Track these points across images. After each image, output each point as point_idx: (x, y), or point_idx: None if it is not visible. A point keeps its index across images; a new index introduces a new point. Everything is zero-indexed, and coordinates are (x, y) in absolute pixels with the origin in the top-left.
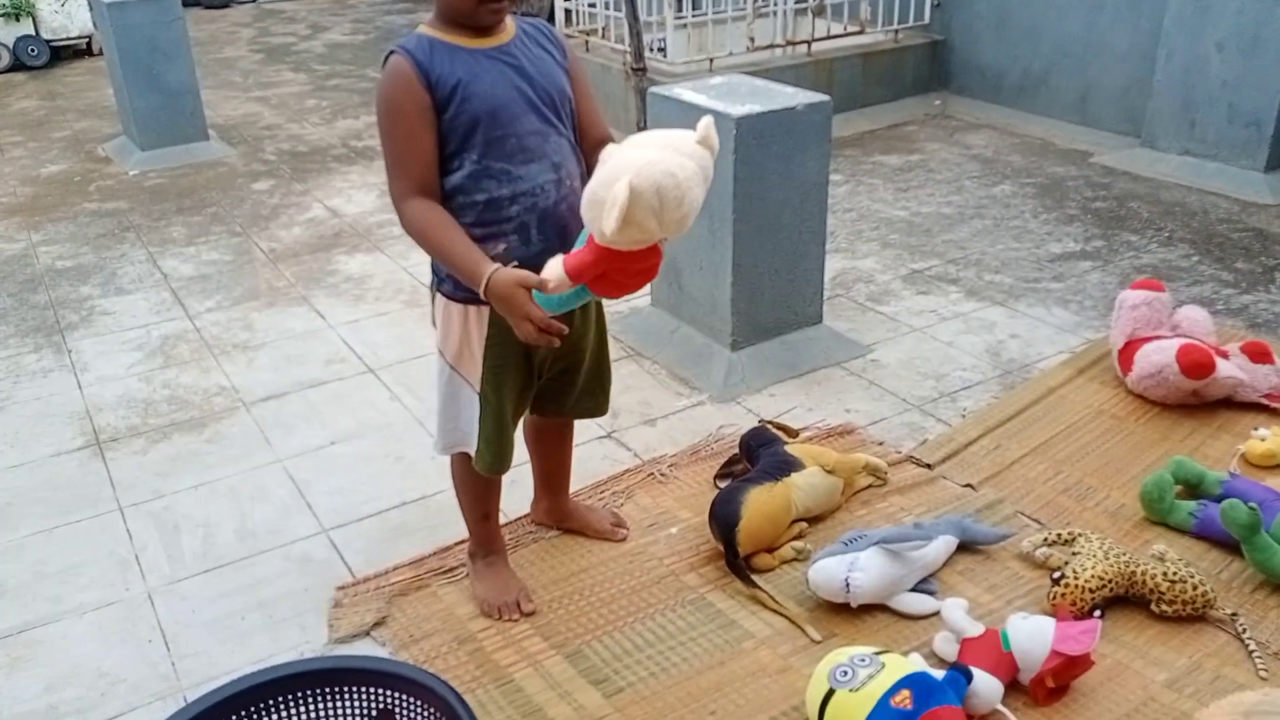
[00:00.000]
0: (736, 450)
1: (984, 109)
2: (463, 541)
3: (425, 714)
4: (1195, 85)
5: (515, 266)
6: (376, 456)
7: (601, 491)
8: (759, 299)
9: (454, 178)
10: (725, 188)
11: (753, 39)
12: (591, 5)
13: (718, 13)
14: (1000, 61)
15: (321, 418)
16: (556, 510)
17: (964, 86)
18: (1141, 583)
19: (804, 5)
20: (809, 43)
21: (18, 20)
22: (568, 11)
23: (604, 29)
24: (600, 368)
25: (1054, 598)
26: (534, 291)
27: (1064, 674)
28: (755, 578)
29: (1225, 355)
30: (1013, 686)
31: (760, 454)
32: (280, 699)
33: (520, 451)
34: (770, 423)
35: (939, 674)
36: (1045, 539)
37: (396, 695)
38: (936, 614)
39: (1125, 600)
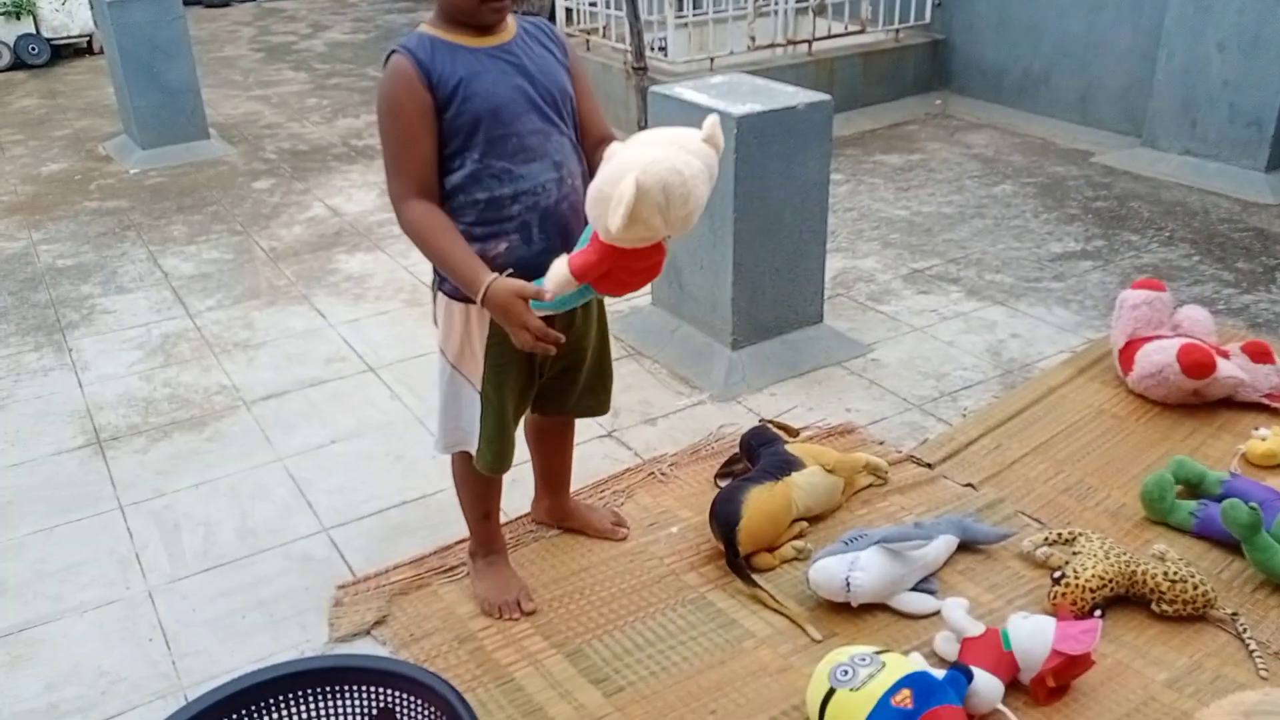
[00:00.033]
0: (737, 449)
1: (985, 108)
2: (463, 540)
3: (426, 713)
4: (1196, 85)
5: (513, 273)
6: (377, 455)
7: (602, 491)
8: (760, 298)
9: (455, 177)
10: (726, 187)
11: (754, 38)
12: (592, 4)
13: (718, 12)
14: (1001, 61)
15: (322, 416)
16: (557, 509)
17: (965, 86)
18: (1142, 582)
19: (805, 4)
20: (810, 42)
21: (18, 18)
22: (568, 10)
23: (605, 28)
24: (602, 366)
25: (1054, 597)
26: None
27: (1064, 673)
28: (756, 577)
29: (1226, 355)
30: (1013, 686)
31: (761, 453)
32: (281, 698)
33: (521, 450)
34: (771, 422)
35: (939, 673)
36: (1046, 538)
37: (397, 694)
38: (937, 613)
39: (1126, 600)
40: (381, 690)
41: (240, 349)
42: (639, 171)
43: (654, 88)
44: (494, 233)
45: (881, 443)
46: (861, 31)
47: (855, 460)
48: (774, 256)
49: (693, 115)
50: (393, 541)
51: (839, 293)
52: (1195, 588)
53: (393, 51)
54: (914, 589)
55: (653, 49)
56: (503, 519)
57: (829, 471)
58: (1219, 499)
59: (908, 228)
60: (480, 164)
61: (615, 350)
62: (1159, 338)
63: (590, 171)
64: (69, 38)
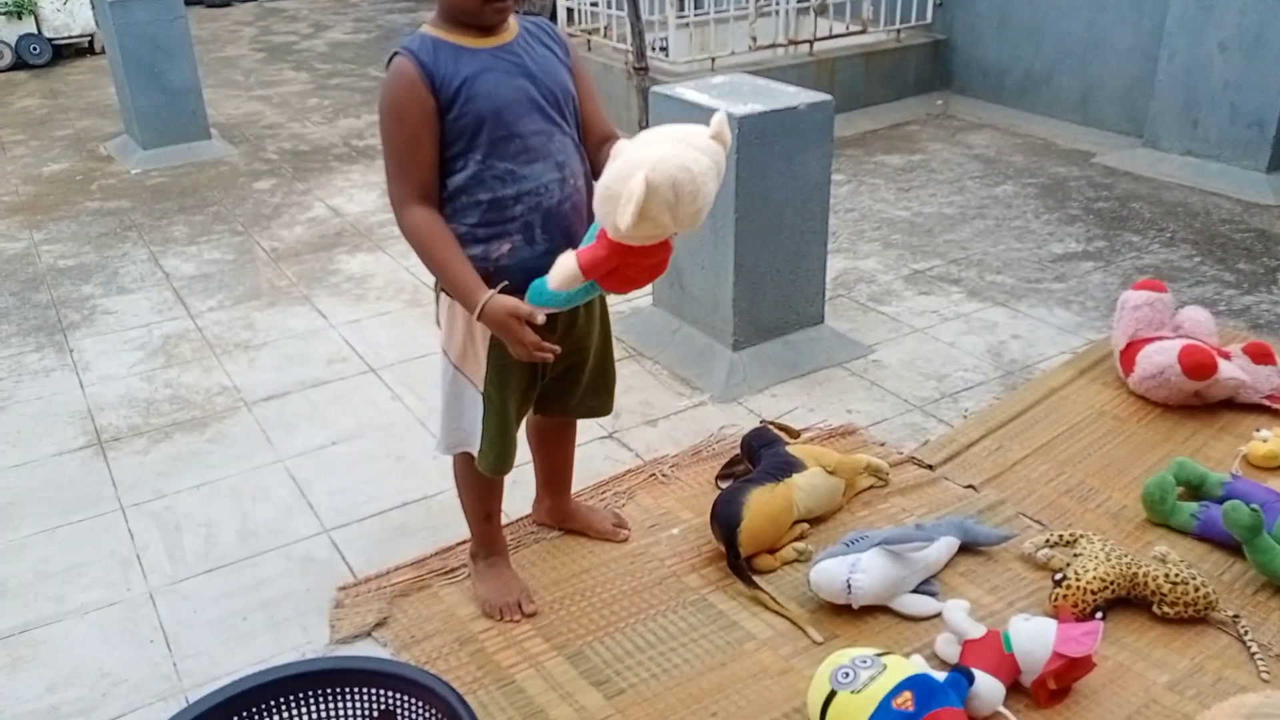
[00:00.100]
0: (738, 451)
1: (986, 109)
2: (464, 542)
3: (427, 715)
4: (1197, 85)
5: (508, 286)
6: (378, 456)
7: (603, 492)
8: (761, 299)
9: (458, 178)
10: (727, 187)
11: (755, 38)
12: (594, 4)
13: (720, 12)
14: (1002, 61)
15: (323, 417)
16: (558, 511)
17: (966, 86)
18: (1143, 584)
19: (806, 4)
20: (811, 42)
21: (20, 18)
22: (570, 10)
23: (606, 28)
24: (604, 367)
25: (1056, 599)
26: (543, 286)
27: (1066, 676)
28: (757, 579)
29: (1227, 356)
30: (1014, 688)
31: (762, 455)
32: (282, 700)
33: (522, 452)
34: (772, 423)
35: (940, 675)
36: (1047, 540)
37: (398, 696)
38: (938, 615)
39: (1127, 602)
40: (382, 692)
41: (241, 350)
42: (648, 169)
43: (655, 88)
44: (497, 233)
45: (882, 444)
46: (863, 32)
47: (856, 462)
48: (775, 257)
49: (694, 115)
50: (394, 543)
51: (840, 293)
52: (1197, 590)
53: (395, 53)
54: (915, 591)
55: (654, 49)
56: (504, 520)
57: (830, 473)
58: (1220, 501)
59: (909, 228)
60: (483, 165)
61: (616, 351)
62: (1160, 339)
63: (594, 170)
64: (70, 38)
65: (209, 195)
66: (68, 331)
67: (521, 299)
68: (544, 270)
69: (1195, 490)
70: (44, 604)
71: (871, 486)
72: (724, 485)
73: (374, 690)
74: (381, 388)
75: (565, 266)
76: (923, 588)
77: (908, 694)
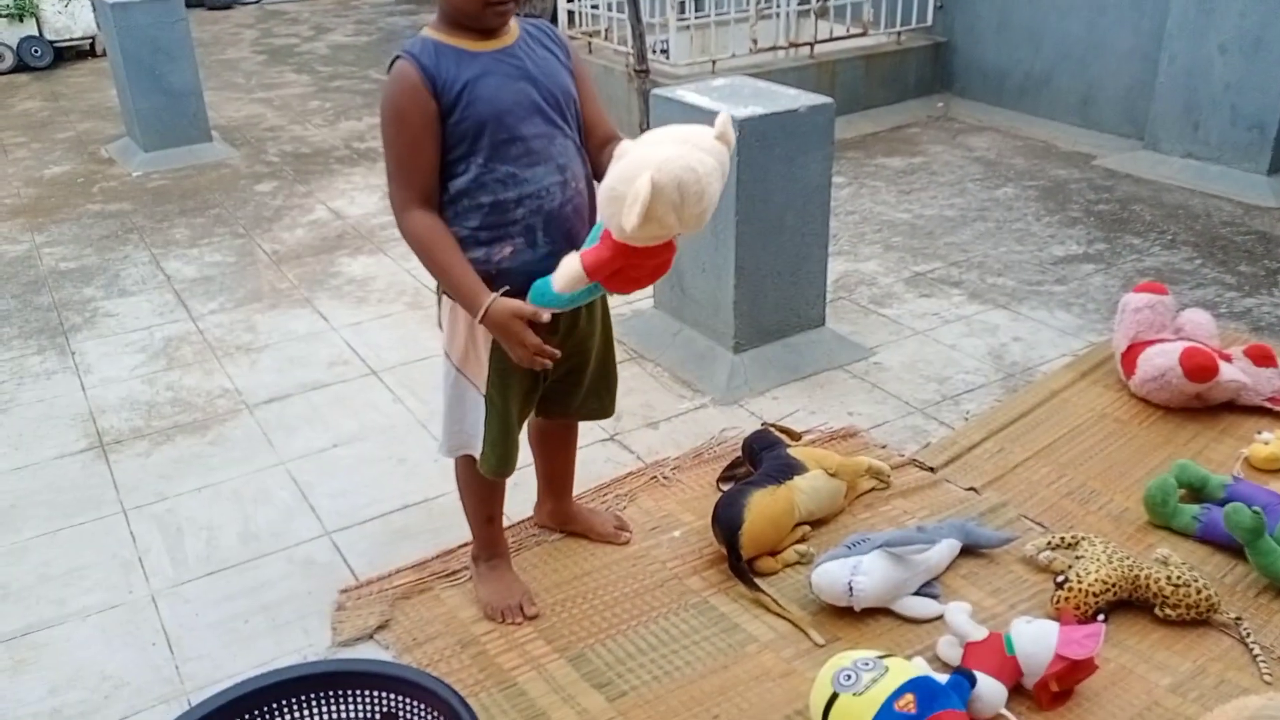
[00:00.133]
0: (739, 453)
1: (986, 111)
2: (466, 544)
3: (429, 717)
4: (1198, 88)
5: (509, 291)
6: (379, 459)
7: (604, 494)
8: (761, 301)
9: (460, 181)
10: (728, 190)
11: (755, 41)
12: (594, 7)
13: (720, 14)
14: (1002, 63)
15: (324, 420)
16: (560, 513)
17: (966, 88)
18: (1145, 587)
19: (807, 7)
20: (811, 45)
21: (21, 21)
22: (570, 13)
23: (607, 30)
24: (606, 369)
25: (1057, 601)
26: (546, 287)
27: (1068, 678)
28: (758, 581)
29: (1228, 359)
30: (1016, 691)
31: (763, 457)
32: (284, 702)
33: (523, 454)
34: (773, 425)
35: (942, 678)
36: (1049, 543)
37: (400, 699)
38: (940, 618)
39: (1129, 604)
40: (384, 695)
41: (242, 352)
42: (654, 170)
43: (656, 90)
44: (498, 236)
45: (884, 446)
46: (863, 34)
47: (857, 464)
48: (776, 259)
49: (695, 118)
50: (395, 545)
51: (841, 296)
52: (1199, 592)
53: (397, 57)
54: (917, 593)
55: (655, 51)
56: (505, 523)
57: (831, 475)
58: (1222, 503)
59: (909, 231)
60: (485, 168)
61: (617, 354)
62: (1161, 341)
63: (595, 171)
64: (71, 40)
65: (210, 198)
66: (69, 334)
67: (523, 301)
68: (545, 273)
69: (1197, 493)
70: (46, 607)
71: (873, 489)
72: (725, 488)
73: (376, 693)
74: (383, 390)
75: (569, 268)
76: (924, 590)
77: (910, 696)
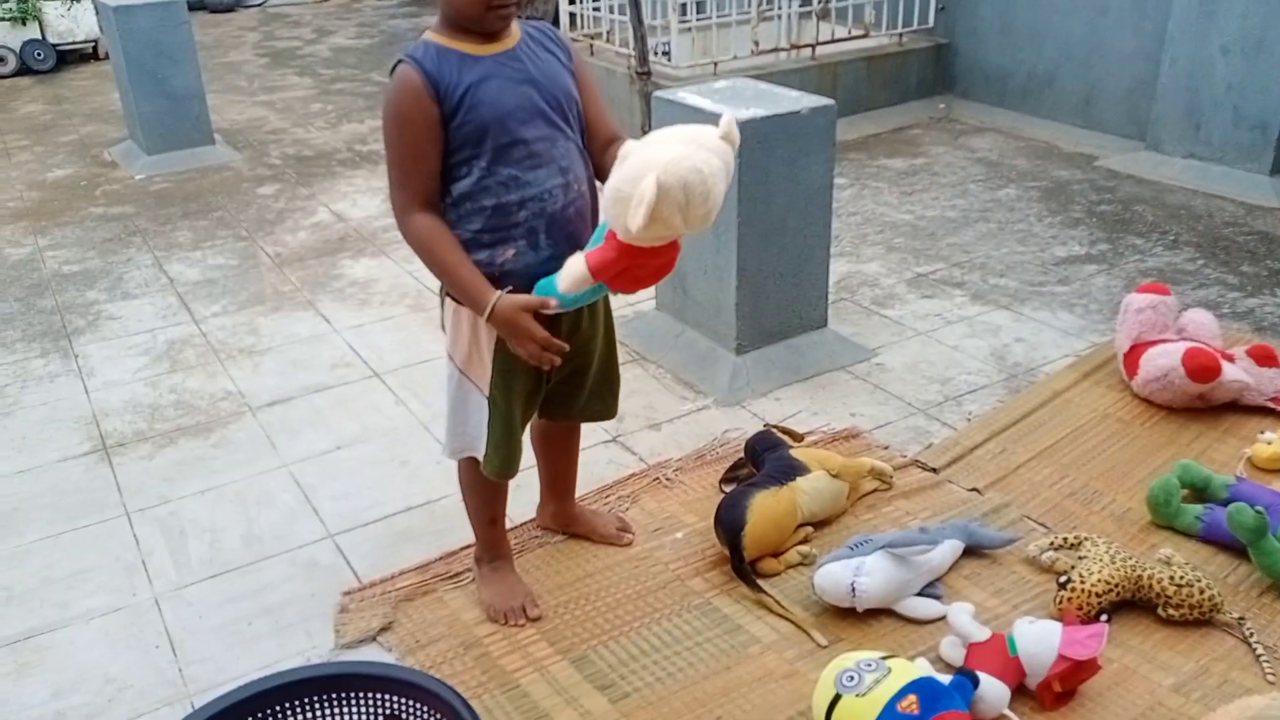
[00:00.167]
0: (742, 454)
1: (988, 112)
2: (469, 546)
3: None
4: (1200, 88)
5: (513, 289)
6: (382, 461)
7: (607, 496)
8: (764, 303)
9: (462, 184)
10: (730, 192)
11: (757, 42)
12: (596, 9)
13: (722, 16)
14: (1004, 64)
15: (327, 422)
16: (562, 515)
17: (968, 90)
18: (1148, 587)
19: (808, 9)
20: (813, 46)
21: (24, 24)
22: (572, 15)
23: (608, 33)
24: (608, 370)
25: (1060, 602)
26: (551, 287)
27: (1071, 679)
28: (761, 582)
29: (1231, 359)
30: (1019, 691)
31: (765, 458)
32: (287, 705)
33: (526, 456)
34: (775, 427)
35: (945, 679)
36: (1051, 543)
37: (403, 701)
38: (942, 618)
39: (1132, 604)
40: (387, 697)
41: (245, 355)
42: (659, 170)
43: (658, 93)
44: (501, 239)
45: (886, 447)
46: (865, 35)
47: (860, 465)
48: (778, 261)
49: (696, 120)
50: (398, 548)
51: (843, 297)
52: (1201, 592)
53: (399, 61)
54: (919, 594)
55: (656, 54)
56: (508, 525)
57: (834, 476)
58: (1225, 503)
59: (912, 232)
60: (487, 171)
61: (620, 355)
62: (1164, 342)
63: (599, 172)
64: (74, 43)
65: (213, 201)
66: (72, 337)
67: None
68: (548, 275)
69: (1200, 493)
70: (49, 610)
71: (875, 490)
72: (728, 489)
73: (379, 695)
74: (385, 392)
75: (574, 269)
76: (927, 591)
77: (912, 697)
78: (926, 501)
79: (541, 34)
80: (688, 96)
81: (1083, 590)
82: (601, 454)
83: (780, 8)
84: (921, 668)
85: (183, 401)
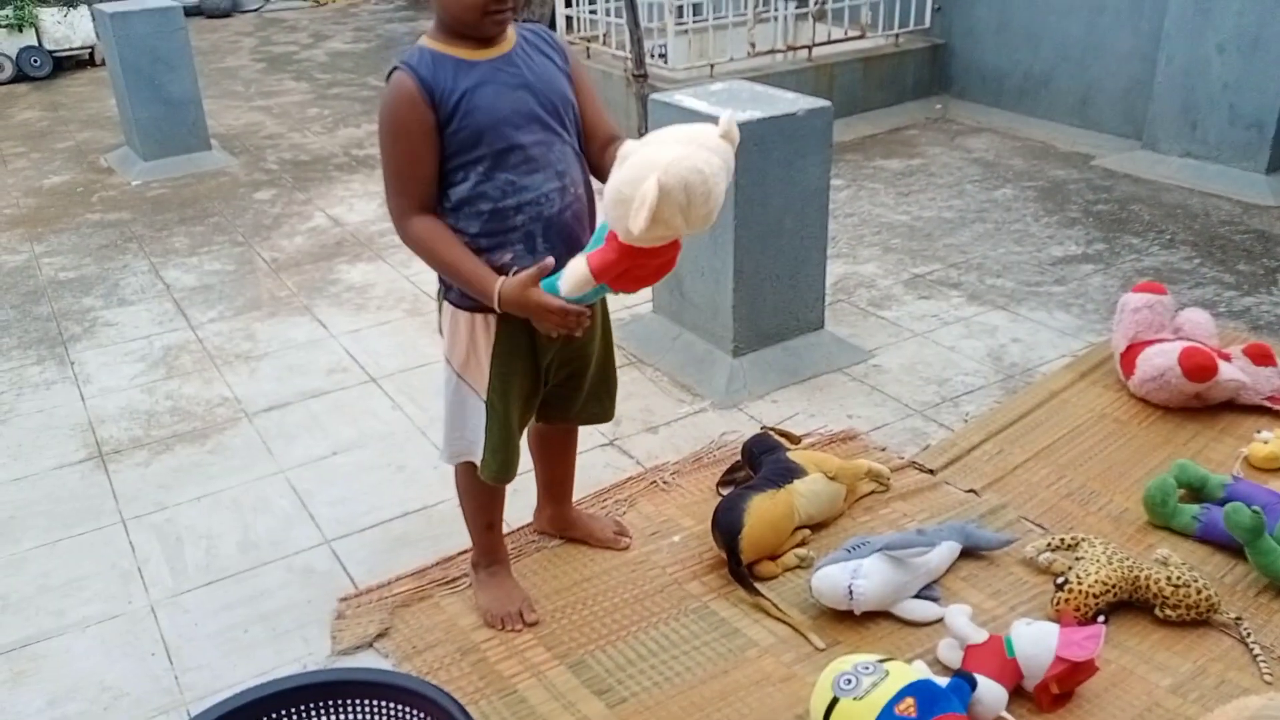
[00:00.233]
0: (739, 457)
1: (985, 112)
2: (465, 551)
3: None
4: (1196, 87)
5: (518, 270)
6: (378, 466)
7: (604, 500)
8: (760, 305)
9: (460, 189)
10: (727, 194)
11: (753, 44)
12: (593, 12)
13: (718, 18)
14: (1001, 65)
15: (323, 428)
16: (559, 519)
17: (965, 90)
18: (1145, 587)
19: (805, 10)
20: (810, 48)
21: (20, 31)
22: (569, 18)
23: (605, 35)
24: (606, 372)
25: (1058, 603)
26: (554, 289)
27: (1068, 680)
28: (758, 585)
29: (1228, 358)
30: (1017, 693)
31: (762, 461)
32: (284, 712)
33: (523, 460)
34: (772, 429)
35: (943, 681)
36: (1048, 544)
37: (400, 707)
38: (940, 620)
39: (1129, 605)
40: (384, 703)
41: (242, 360)
42: (660, 172)
43: (654, 95)
44: (498, 243)
45: (883, 449)
46: (861, 37)
47: (857, 467)
48: (775, 263)
49: (693, 122)
50: (395, 553)
51: (840, 299)
52: (1199, 592)
53: (395, 68)
54: (917, 596)
55: (653, 56)
56: (504, 529)
57: (831, 479)
58: (1222, 503)
59: (908, 233)
60: (484, 176)
61: (616, 358)
62: (1160, 341)
63: (598, 172)
64: (71, 50)
65: (209, 206)
66: (69, 344)
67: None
68: (548, 278)
69: (1196, 492)
70: (45, 618)
71: (873, 492)
72: (725, 492)
73: (376, 701)
74: (382, 397)
75: (576, 271)
76: (924, 593)
77: (910, 700)
78: (924, 503)
79: (537, 37)
80: (684, 99)
81: (1080, 591)
82: (598, 457)
83: (776, 9)
84: (919, 670)
85: (179, 408)
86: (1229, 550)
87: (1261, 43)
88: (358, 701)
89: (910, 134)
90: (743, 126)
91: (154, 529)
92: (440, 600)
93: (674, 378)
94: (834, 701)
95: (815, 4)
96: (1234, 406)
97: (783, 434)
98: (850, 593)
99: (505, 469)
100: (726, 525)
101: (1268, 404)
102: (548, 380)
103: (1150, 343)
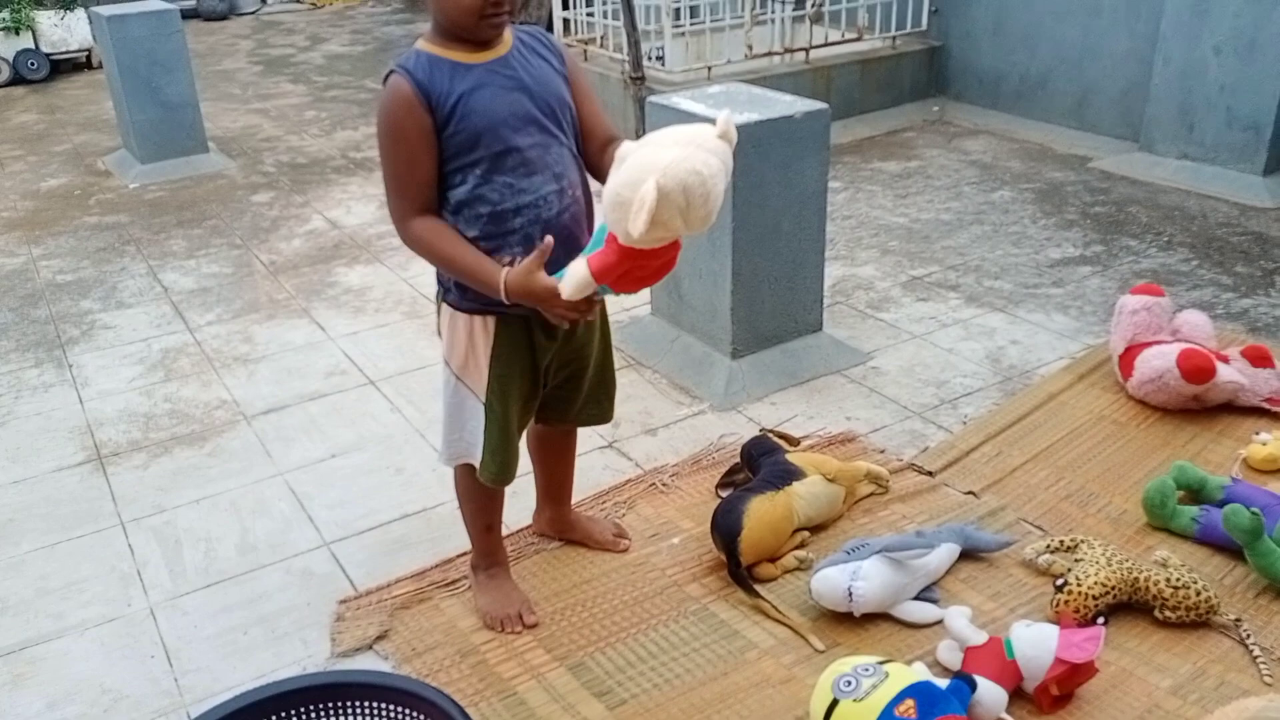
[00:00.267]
0: (738, 459)
1: (982, 114)
2: (465, 554)
3: None
4: (1193, 89)
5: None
6: (377, 469)
7: (603, 502)
8: (759, 307)
9: (458, 192)
10: (724, 196)
11: (751, 47)
12: (590, 14)
13: (716, 21)
14: (998, 67)
15: (322, 430)
16: (558, 521)
17: (962, 92)
18: (1145, 589)
19: (802, 13)
20: (807, 50)
21: (17, 34)
22: (566, 21)
23: (602, 38)
24: (604, 373)
25: (1057, 605)
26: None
27: (1068, 682)
28: (758, 587)
29: (1226, 359)
30: (1017, 695)
31: (761, 463)
32: (283, 714)
33: (522, 463)
34: (771, 431)
35: (943, 683)
36: (1048, 546)
37: (400, 709)
38: (939, 622)
39: (1128, 607)
40: (384, 705)
41: (240, 363)
42: (659, 175)
43: (652, 98)
44: (497, 246)
45: (882, 451)
46: (859, 39)
47: (856, 469)
48: (773, 265)
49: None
50: (394, 555)
51: (838, 301)
52: (1198, 594)
53: (391, 72)
54: (916, 598)
55: (650, 59)
56: (504, 531)
57: (830, 481)
58: (1221, 504)
59: (906, 235)
60: (482, 179)
61: (615, 361)
62: (1158, 343)
63: (597, 173)
64: (68, 53)
65: (207, 209)
66: (66, 347)
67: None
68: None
69: (1195, 494)
70: (44, 621)
71: (872, 494)
72: (724, 494)
73: (376, 704)
74: (380, 400)
75: (578, 273)
76: (924, 595)
77: (910, 702)
78: (923, 505)
79: (534, 39)
80: (682, 101)
81: (1079, 593)
82: (597, 460)
83: (773, 12)
84: (919, 672)
85: (177, 410)
86: (1228, 552)
87: (1258, 44)
88: (357, 704)
89: (908, 136)
90: (740, 129)
91: (153, 531)
92: (440, 602)
93: (672, 380)
94: (834, 703)
95: (812, 6)
96: (1232, 408)
97: (781, 436)
98: (850, 594)
99: (504, 471)
100: (726, 527)
101: (1266, 405)
102: (546, 382)
103: (1148, 344)
